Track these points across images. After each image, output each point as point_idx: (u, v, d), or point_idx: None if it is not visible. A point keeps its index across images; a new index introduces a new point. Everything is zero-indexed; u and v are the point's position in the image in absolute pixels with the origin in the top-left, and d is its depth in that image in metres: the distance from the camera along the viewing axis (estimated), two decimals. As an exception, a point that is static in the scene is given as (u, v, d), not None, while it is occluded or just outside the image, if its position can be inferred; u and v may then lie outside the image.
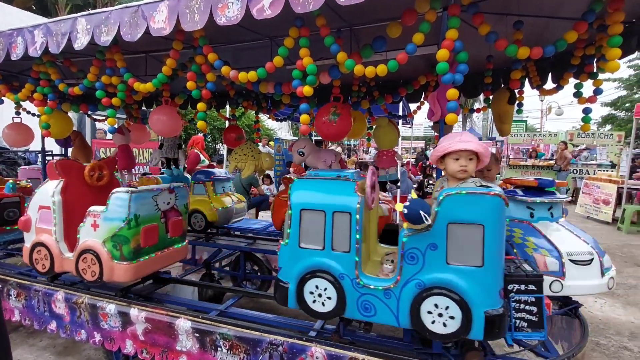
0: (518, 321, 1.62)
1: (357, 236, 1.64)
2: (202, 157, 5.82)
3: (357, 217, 1.64)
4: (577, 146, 12.93)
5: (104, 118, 5.22)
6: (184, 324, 2.10)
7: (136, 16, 1.79)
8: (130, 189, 2.28)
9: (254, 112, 4.16)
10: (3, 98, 2.74)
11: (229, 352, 2.00)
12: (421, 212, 1.43)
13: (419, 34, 1.53)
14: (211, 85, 1.96)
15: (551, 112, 20.34)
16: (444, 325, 1.52)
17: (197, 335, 2.07)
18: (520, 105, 2.88)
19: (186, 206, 2.72)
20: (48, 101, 2.37)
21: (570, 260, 1.92)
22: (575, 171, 11.22)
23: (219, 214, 3.79)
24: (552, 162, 11.47)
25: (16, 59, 2.19)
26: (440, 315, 1.52)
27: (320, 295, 1.72)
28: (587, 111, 2.04)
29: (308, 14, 1.54)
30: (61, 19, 2.05)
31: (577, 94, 2.17)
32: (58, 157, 4.06)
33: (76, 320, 2.46)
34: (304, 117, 1.74)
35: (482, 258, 1.45)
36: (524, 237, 2.06)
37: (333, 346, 1.80)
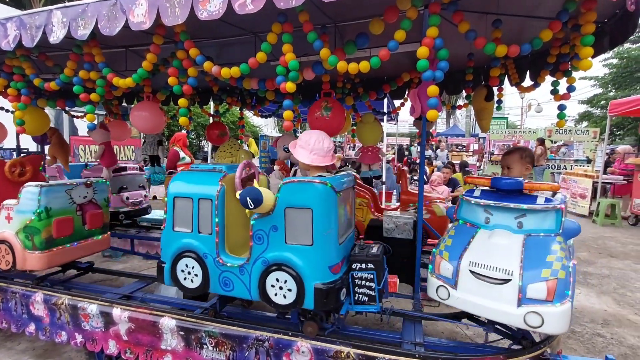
0: (359, 295, 1.85)
1: (216, 220, 1.87)
2: (182, 154, 5.74)
3: (217, 203, 1.86)
4: (555, 142, 13.35)
5: (82, 114, 5.07)
6: (168, 322, 2.08)
7: (115, 9, 1.75)
8: (41, 183, 2.43)
9: (238, 108, 4.13)
10: None
11: (214, 349, 2.00)
12: (247, 198, 1.63)
13: (401, 31, 1.55)
14: (193, 80, 1.93)
15: (531, 109, 20.92)
16: (284, 297, 1.76)
17: (182, 333, 2.05)
18: (499, 102, 2.96)
19: (107, 200, 2.89)
20: (22, 97, 2.29)
21: (471, 272, 1.68)
22: (553, 166, 11.58)
23: None
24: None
25: (-13, 52, 2.11)
26: (280, 288, 1.76)
27: (189, 273, 1.96)
28: (561, 108, 2.12)
29: (291, 10, 1.54)
30: (35, 11, 1.98)
31: (554, 92, 2.25)
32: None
33: (56, 322, 2.40)
34: (287, 114, 1.74)
35: (311, 237, 1.68)
36: (448, 236, 1.89)
37: (318, 340, 1.82)
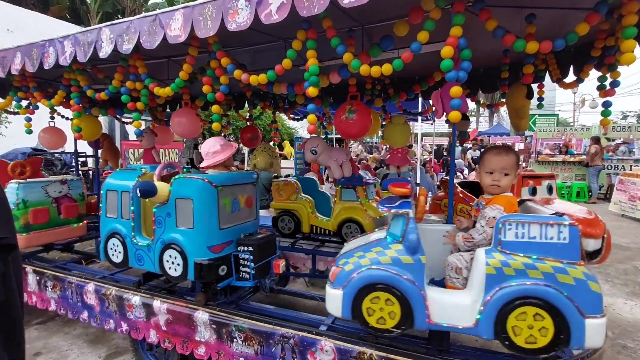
0: (242, 273, 2.24)
1: (132, 208, 2.37)
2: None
3: (132, 194, 2.35)
4: (612, 140, 12.26)
5: (130, 121, 5.49)
6: (202, 315, 2.21)
7: (154, 25, 1.90)
8: (20, 180, 3.03)
9: (271, 112, 4.25)
10: (38, 104, 2.95)
11: (244, 343, 2.09)
12: (137, 189, 2.11)
13: (424, 32, 1.53)
14: (224, 88, 2.04)
15: (585, 105, 19.35)
16: (175, 270, 2.21)
17: (214, 326, 2.17)
18: (541, 99, 2.80)
19: (82, 195, 3.48)
20: (75, 105, 2.54)
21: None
22: (609, 167, 10.65)
23: (376, 223, 3.09)
24: (584, 157, 10.94)
25: (48, 67, 2.36)
26: (172, 263, 2.21)
27: (115, 250, 2.49)
28: (606, 104, 1.97)
29: (315, 16, 1.59)
30: (87, 29, 2.20)
31: (601, 87, 2.10)
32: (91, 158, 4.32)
33: (105, 311, 2.63)
34: (312, 117, 1.79)
35: (192, 222, 2.12)
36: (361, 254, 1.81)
37: (342, 340, 1.84)
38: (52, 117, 3.80)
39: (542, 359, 1.59)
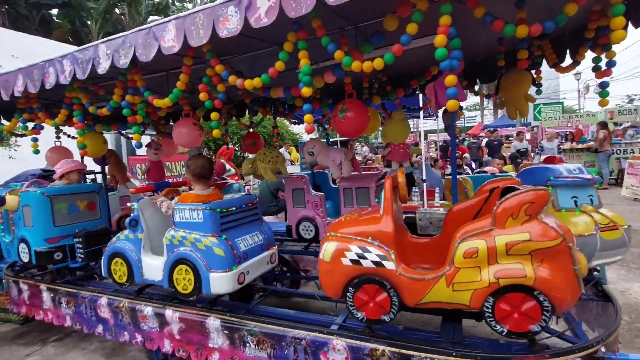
0: (78, 257, 3.00)
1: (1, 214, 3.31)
2: (228, 167, 6.03)
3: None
4: (620, 124, 12.06)
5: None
6: (213, 322, 2.22)
7: (148, 37, 1.93)
8: None
9: (272, 118, 4.28)
10: (43, 124, 3.02)
11: (256, 347, 2.10)
12: None
13: (413, 24, 1.54)
14: (222, 95, 2.07)
15: (589, 91, 19.08)
16: (25, 258, 3.01)
17: (227, 332, 2.18)
18: (539, 85, 2.77)
19: None
20: (77, 123, 2.59)
21: None
22: (618, 151, 10.46)
23: None
24: (592, 143, 10.77)
25: (49, 87, 2.41)
26: (24, 253, 3.00)
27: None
28: (603, 85, 1.96)
29: (306, 17, 1.60)
30: (85, 47, 2.24)
31: (596, 68, 2.08)
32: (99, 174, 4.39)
33: (119, 323, 2.66)
34: (308, 117, 1.80)
35: (32, 222, 2.90)
36: None
37: (353, 338, 1.84)
38: (58, 137, 3.89)
39: (189, 300, 2.28)
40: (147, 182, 3.67)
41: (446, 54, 1.51)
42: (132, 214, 2.56)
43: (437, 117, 11.55)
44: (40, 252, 2.87)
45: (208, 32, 1.73)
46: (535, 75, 2.56)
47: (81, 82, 2.47)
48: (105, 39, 2.14)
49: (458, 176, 2.77)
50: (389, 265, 1.73)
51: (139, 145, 2.46)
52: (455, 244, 1.63)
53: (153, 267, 2.42)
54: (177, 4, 21.44)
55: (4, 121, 3.62)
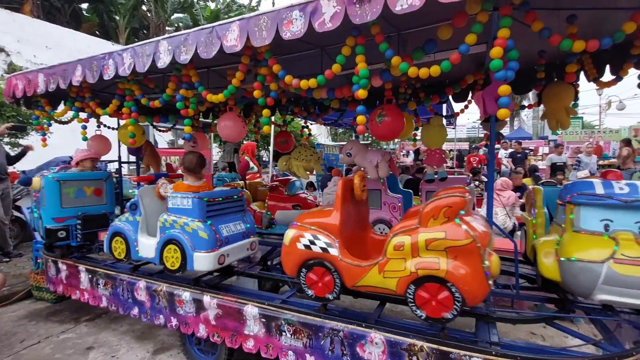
0: (77, 237, 3.41)
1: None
2: (251, 164, 6.15)
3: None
4: (643, 143, 11.83)
5: (166, 129, 5.73)
6: (251, 310, 2.31)
7: (211, 36, 2.05)
8: None
9: (299, 120, 4.40)
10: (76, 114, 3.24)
11: (293, 336, 2.18)
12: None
13: (472, 35, 1.61)
14: (274, 93, 2.17)
15: (611, 107, 18.76)
16: (40, 233, 3.50)
17: (264, 320, 2.26)
18: (576, 99, 2.81)
19: None
20: (132, 113, 2.73)
21: None
22: (641, 170, 10.27)
23: None
24: (614, 160, 10.60)
25: (108, 78, 2.56)
26: (39, 228, 3.48)
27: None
28: (650, 101, 1.99)
29: (364, 24, 1.69)
30: (146, 42, 2.37)
31: (641, 85, 2.12)
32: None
33: (155, 307, 2.78)
34: (361, 118, 1.88)
35: (45, 203, 3.32)
36: None
37: (392, 332, 1.90)
38: (99, 126, 4.06)
39: (175, 275, 2.63)
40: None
41: (501, 65, 1.57)
42: (132, 199, 2.95)
43: (455, 126, 11.51)
44: (49, 230, 3.31)
45: (271, 34, 1.83)
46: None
47: (134, 75, 2.61)
48: (166, 36, 2.27)
49: (530, 186, 2.78)
50: (333, 251, 2.04)
51: (189, 137, 2.58)
52: (389, 238, 1.90)
53: (147, 246, 2.76)
54: (200, 3, 21.85)
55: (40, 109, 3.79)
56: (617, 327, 2.03)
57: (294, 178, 4.42)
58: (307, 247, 2.12)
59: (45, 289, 3.86)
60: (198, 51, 2.10)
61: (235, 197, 2.86)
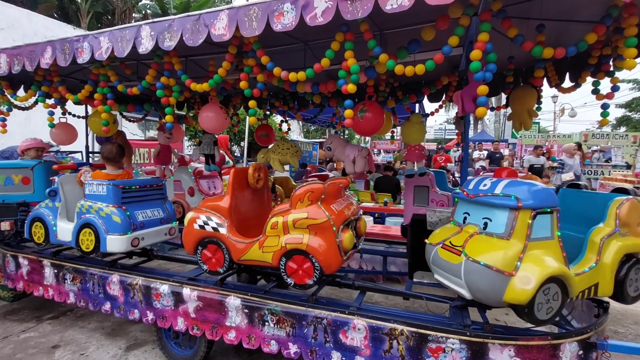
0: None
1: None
2: (226, 158, 6.05)
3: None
4: (589, 148, 12.87)
5: (135, 119, 5.51)
6: (234, 301, 2.31)
7: (198, 24, 2.02)
8: None
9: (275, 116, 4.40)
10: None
11: (276, 326, 2.21)
12: None
13: (454, 37, 1.72)
14: (261, 85, 2.18)
15: (564, 114, 20.25)
16: None
17: (247, 311, 2.27)
18: (539, 102, 3.05)
19: None
20: (107, 100, 2.62)
21: None
22: (589, 172, 11.19)
23: None
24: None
25: (82, 62, 2.44)
26: None
27: None
28: (605, 106, 2.21)
29: (353, 20, 1.75)
30: (125, 26, 2.29)
31: (595, 91, 2.35)
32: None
33: (130, 301, 2.69)
34: (348, 112, 1.94)
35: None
36: None
37: (374, 318, 1.99)
38: (64, 113, 3.84)
39: (90, 256, 2.87)
40: (157, 165, 3.71)
41: (479, 67, 1.69)
42: (52, 186, 3.12)
43: (425, 126, 11.89)
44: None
45: (262, 25, 1.84)
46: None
47: (110, 60, 2.50)
48: (149, 21, 2.21)
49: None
50: (223, 230, 2.39)
51: (171, 127, 2.52)
52: (268, 219, 2.24)
53: (65, 231, 2.92)
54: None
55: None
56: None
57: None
58: (201, 227, 2.45)
59: (1, 287, 3.60)
60: (184, 38, 2.06)
61: (155, 185, 3.03)
